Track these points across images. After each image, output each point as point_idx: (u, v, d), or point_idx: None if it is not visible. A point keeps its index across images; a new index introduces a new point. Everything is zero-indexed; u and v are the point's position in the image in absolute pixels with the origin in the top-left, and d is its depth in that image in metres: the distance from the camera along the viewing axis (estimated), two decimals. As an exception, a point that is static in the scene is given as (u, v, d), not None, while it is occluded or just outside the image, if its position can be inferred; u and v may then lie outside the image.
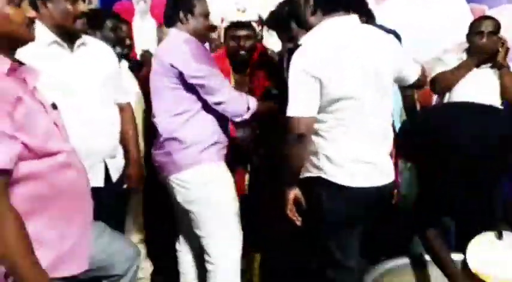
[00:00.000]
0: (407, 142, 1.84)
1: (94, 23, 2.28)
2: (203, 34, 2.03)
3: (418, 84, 1.90)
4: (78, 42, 1.81)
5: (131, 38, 2.56)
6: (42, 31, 1.69)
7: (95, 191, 1.75)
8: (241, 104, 1.93)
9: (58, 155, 1.24)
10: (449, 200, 1.72)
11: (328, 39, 1.59)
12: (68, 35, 1.77)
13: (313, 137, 1.66)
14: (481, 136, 1.55)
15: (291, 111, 1.60)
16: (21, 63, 1.27)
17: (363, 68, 1.59)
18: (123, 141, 2.03)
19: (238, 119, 1.96)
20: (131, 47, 2.54)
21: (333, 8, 1.61)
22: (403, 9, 2.97)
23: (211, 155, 1.99)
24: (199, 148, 1.96)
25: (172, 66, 1.87)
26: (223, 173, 2.05)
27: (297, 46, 1.67)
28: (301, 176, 1.73)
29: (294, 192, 1.74)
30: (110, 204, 1.88)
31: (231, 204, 2.03)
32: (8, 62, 1.19)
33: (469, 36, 2.54)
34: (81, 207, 1.35)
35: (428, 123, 1.77)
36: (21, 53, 1.43)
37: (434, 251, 1.76)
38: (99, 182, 1.86)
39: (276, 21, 2.11)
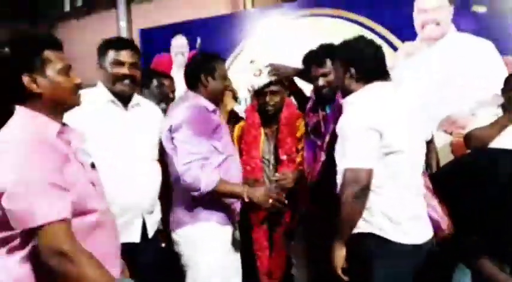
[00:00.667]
0: (447, 185, 1.96)
1: (143, 81, 2.48)
2: (220, 96, 2.10)
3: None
4: (132, 102, 1.95)
5: (174, 91, 2.76)
6: (101, 91, 1.89)
7: (132, 246, 1.84)
8: (194, 182, 1.88)
9: (91, 214, 1.30)
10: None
11: (379, 99, 1.72)
12: (122, 96, 1.90)
13: None
14: None
15: (354, 162, 1.63)
16: (66, 126, 1.38)
17: (409, 126, 1.73)
18: (161, 197, 2.09)
19: (193, 193, 1.92)
20: (174, 99, 2.70)
21: (373, 77, 1.77)
22: (433, 63, 2.98)
23: (210, 214, 1.99)
24: (198, 206, 1.98)
25: (169, 130, 1.94)
26: (216, 236, 2.00)
27: (328, 84, 2.04)
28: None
29: (344, 250, 1.72)
30: (146, 261, 1.92)
31: (214, 271, 1.96)
32: (58, 126, 1.30)
33: (504, 91, 2.52)
34: (108, 267, 1.35)
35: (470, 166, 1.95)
36: (82, 109, 1.61)
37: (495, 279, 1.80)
38: (134, 237, 1.90)
39: (315, 56, 2.26)
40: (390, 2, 3.58)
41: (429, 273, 1.79)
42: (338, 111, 2.07)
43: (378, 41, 3.54)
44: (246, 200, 1.92)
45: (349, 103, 1.77)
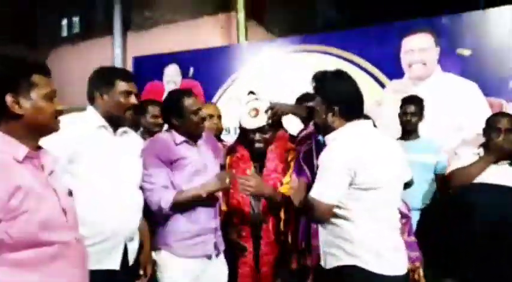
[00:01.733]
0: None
1: (139, 110, 2.61)
2: (195, 129, 2.16)
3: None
4: (121, 129, 1.99)
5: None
6: (93, 116, 1.92)
7: (110, 273, 1.82)
8: (156, 204, 2.01)
9: (50, 246, 1.26)
10: None
11: (359, 138, 1.76)
12: (115, 123, 1.96)
13: (344, 223, 1.72)
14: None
15: (320, 194, 1.70)
16: (41, 149, 1.38)
17: (389, 163, 1.76)
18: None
19: (162, 213, 2.03)
20: (163, 125, 2.75)
21: (354, 115, 1.82)
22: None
23: (168, 242, 2.07)
24: (165, 232, 2.08)
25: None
26: (170, 266, 2.07)
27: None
28: (331, 266, 1.75)
29: None
30: None
31: None
32: (26, 150, 1.28)
33: (486, 132, 2.57)
34: None
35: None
36: (73, 132, 1.70)
37: None
38: (115, 264, 1.87)
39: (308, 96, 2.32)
40: (379, 41, 3.70)
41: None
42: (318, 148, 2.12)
43: (366, 77, 3.64)
44: (204, 195, 1.99)
45: (331, 139, 1.81)
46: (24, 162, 1.28)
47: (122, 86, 1.93)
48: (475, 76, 3.33)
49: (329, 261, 1.77)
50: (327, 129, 1.83)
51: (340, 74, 1.87)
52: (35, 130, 1.33)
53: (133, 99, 1.95)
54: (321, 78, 1.92)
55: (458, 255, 2.18)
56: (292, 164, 2.26)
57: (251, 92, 2.35)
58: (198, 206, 2.09)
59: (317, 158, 2.23)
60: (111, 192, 1.86)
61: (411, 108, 2.95)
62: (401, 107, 3.00)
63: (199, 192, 2.01)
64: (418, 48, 3.55)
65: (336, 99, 1.80)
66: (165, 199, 2.00)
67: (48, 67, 1.39)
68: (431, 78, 3.51)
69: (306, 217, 1.88)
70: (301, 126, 2.39)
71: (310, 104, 2.20)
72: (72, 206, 1.41)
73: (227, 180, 2.02)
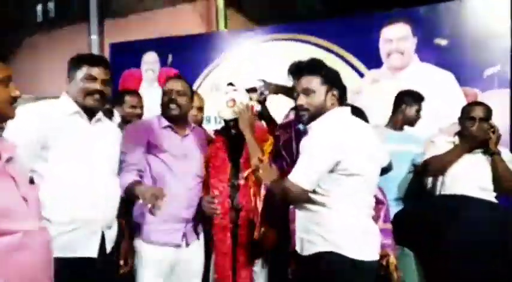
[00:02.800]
0: (404, 229, 2.10)
1: (117, 100, 2.73)
2: (164, 111, 2.23)
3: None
4: (96, 117, 1.96)
5: (142, 107, 2.94)
6: (66, 102, 1.90)
7: (88, 261, 1.82)
8: (120, 181, 2.03)
9: (12, 235, 1.22)
10: None
11: (342, 124, 1.78)
12: (88, 110, 1.92)
13: (322, 210, 1.74)
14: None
15: (301, 180, 1.71)
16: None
17: (367, 151, 1.78)
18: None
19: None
20: (142, 115, 2.88)
21: (344, 101, 1.87)
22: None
23: (142, 229, 2.14)
24: (136, 219, 2.16)
25: None
26: (145, 254, 2.12)
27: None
28: (308, 253, 1.77)
29: None
30: (103, 276, 1.88)
31: None
32: None
33: (461, 121, 2.63)
34: None
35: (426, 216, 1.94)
36: (46, 118, 1.72)
37: None
38: (92, 252, 1.86)
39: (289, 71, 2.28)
40: (358, 31, 3.71)
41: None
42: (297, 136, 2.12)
43: (345, 66, 3.66)
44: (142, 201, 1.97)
45: (314, 126, 1.82)
46: None
47: (84, 70, 1.89)
48: (451, 66, 3.38)
49: (306, 248, 1.79)
50: (321, 112, 1.82)
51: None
52: None
53: (96, 85, 1.89)
54: (321, 61, 1.93)
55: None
56: (267, 154, 2.26)
57: (230, 84, 2.34)
58: (168, 194, 2.05)
59: (297, 146, 2.25)
60: (84, 180, 1.84)
61: (417, 106, 2.95)
62: (405, 101, 2.96)
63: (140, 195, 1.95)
64: (396, 38, 3.57)
65: (336, 81, 1.83)
66: (122, 182, 2.02)
67: (5, 52, 1.35)
68: (409, 68, 3.54)
69: (276, 198, 1.89)
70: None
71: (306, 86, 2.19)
72: (33, 194, 1.37)
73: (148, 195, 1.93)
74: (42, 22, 6.90)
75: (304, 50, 3.81)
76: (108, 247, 1.94)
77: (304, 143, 1.78)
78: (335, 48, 3.75)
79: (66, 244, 1.74)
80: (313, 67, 1.86)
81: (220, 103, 2.26)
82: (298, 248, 1.85)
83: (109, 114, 2.64)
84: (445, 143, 2.61)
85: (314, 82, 1.82)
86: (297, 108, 2.25)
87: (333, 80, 1.84)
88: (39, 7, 6.99)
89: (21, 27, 7.06)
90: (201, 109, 2.79)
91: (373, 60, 3.62)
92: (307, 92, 1.83)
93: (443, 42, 3.45)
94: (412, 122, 2.98)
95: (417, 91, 3.00)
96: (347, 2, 5.37)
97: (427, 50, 3.48)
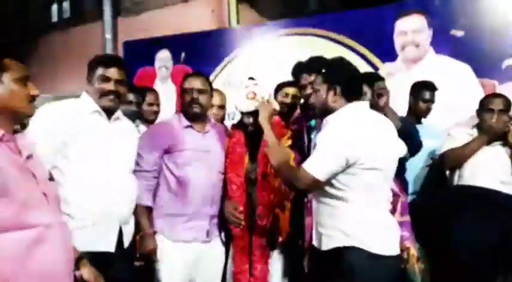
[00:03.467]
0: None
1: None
2: (186, 110, 2.23)
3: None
4: (114, 115, 2.01)
5: (159, 104, 2.95)
6: (88, 101, 1.96)
7: (105, 256, 1.86)
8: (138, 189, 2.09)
9: (32, 229, 1.26)
10: None
11: (359, 119, 1.77)
12: (106, 110, 1.97)
13: (341, 205, 1.73)
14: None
15: (313, 169, 1.70)
16: (19, 133, 1.39)
17: (386, 145, 1.77)
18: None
19: None
20: (159, 112, 2.91)
21: (356, 96, 1.84)
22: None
23: (161, 226, 2.14)
24: (155, 216, 2.16)
25: None
26: (167, 251, 2.12)
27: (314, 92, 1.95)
28: (328, 248, 1.76)
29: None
30: (120, 271, 1.91)
31: None
32: (1, 133, 1.28)
33: (480, 113, 2.58)
34: None
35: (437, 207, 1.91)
36: (68, 117, 1.80)
37: None
38: (110, 247, 1.90)
39: (304, 66, 2.33)
40: (372, 24, 3.67)
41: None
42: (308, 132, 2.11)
43: (359, 60, 3.62)
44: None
45: (331, 120, 1.81)
46: (0, 145, 1.28)
47: (99, 71, 1.95)
48: (468, 57, 3.32)
49: (325, 243, 1.78)
50: (326, 109, 1.83)
51: (340, 57, 1.91)
52: (7, 114, 1.32)
53: (110, 86, 1.94)
54: (323, 59, 1.91)
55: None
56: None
57: (251, 78, 2.33)
58: (193, 191, 2.12)
59: (308, 141, 2.24)
60: (103, 176, 1.89)
61: (428, 95, 2.88)
62: (419, 92, 2.91)
63: (143, 227, 2.10)
64: (411, 30, 3.53)
65: (338, 78, 1.81)
66: (139, 196, 2.09)
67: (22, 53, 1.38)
68: (424, 61, 3.49)
69: (284, 183, 1.91)
70: None
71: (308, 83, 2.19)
72: (53, 190, 1.42)
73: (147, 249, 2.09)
74: (57, 22, 7.00)
75: (317, 44, 3.79)
76: (126, 242, 1.98)
77: (321, 135, 1.79)
78: (348, 41, 3.72)
79: (85, 238, 1.77)
80: (314, 66, 1.93)
81: (239, 96, 2.26)
82: (316, 243, 1.84)
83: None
84: (463, 136, 2.56)
85: (317, 81, 1.87)
86: (306, 98, 2.27)
87: (334, 77, 1.83)
88: (54, 7, 7.08)
89: (37, 27, 7.16)
90: (222, 107, 2.76)
91: (387, 53, 3.58)
92: (314, 90, 1.90)
93: (459, 33, 3.39)
94: (425, 113, 2.94)
95: (430, 81, 2.95)
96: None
97: (443, 42, 3.43)
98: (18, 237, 1.23)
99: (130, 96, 2.65)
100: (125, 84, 2.03)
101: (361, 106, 1.84)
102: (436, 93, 2.92)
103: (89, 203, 1.83)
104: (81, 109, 1.93)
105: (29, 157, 1.36)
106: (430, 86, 2.90)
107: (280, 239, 2.20)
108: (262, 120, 2.11)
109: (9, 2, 7.25)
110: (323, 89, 1.83)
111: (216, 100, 2.63)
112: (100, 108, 1.95)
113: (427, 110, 2.91)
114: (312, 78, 2.19)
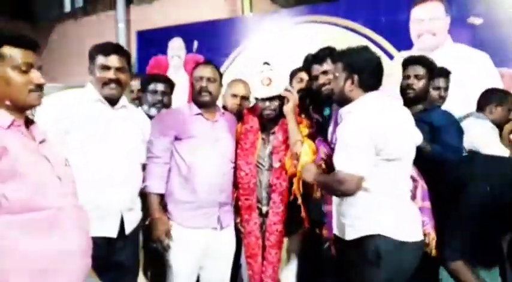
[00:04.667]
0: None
1: (144, 87, 2.70)
2: (196, 98, 2.26)
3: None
4: (119, 103, 2.02)
5: (171, 93, 2.83)
6: (90, 91, 1.97)
7: (108, 240, 1.90)
8: (149, 177, 2.13)
9: (42, 211, 1.27)
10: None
11: (379, 109, 1.76)
12: (109, 98, 1.97)
13: (364, 195, 1.73)
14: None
15: (349, 167, 1.68)
16: (30, 122, 1.40)
17: (406, 134, 1.78)
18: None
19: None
20: (170, 103, 2.79)
21: (373, 86, 1.82)
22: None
23: (172, 212, 2.17)
24: (168, 201, 2.18)
25: None
26: (178, 237, 2.13)
27: (329, 82, 2.05)
28: (352, 237, 1.78)
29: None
30: (121, 257, 1.96)
31: (171, 270, 2.14)
32: (11, 118, 1.29)
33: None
34: (65, 268, 1.31)
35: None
36: (70, 105, 1.83)
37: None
38: (112, 232, 1.92)
39: (315, 56, 2.28)
40: (387, 11, 3.60)
41: (418, 272, 1.81)
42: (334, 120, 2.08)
43: (374, 48, 3.55)
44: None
45: (349, 112, 1.79)
46: (11, 129, 1.28)
47: (99, 59, 1.95)
48: (487, 46, 3.25)
49: (348, 233, 1.79)
50: (342, 97, 1.83)
51: (364, 47, 1.88)
52: (8, 102, 1.30)
53: (110, 74, 1.94)
54: (333, 49, 1.89)
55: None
56: (305, 137, 2.22)
57: (266, 63, 2.30)
58: (202, 179, 2.13)
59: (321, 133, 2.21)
60: (103, 163, 1.90)
61: (439, 82, 2.69)
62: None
63: (152, 212, 2.12)
64: (427, 17, 3.45)
65: (357, 67, 1.79)
66: (148, 182, 2.12)
67: (31, 40, 1.34)
68: (441, 49, 3.42)
69: (330, 193, 1.86)
70: None
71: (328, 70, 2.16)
72: (69, 174, 1.43)
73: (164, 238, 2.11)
74: (70, 11, 7.02)
75: (331, 32, 3.74)
76: (128, 229, 1.99)
77: (341, 129, 1.76)
78: (363, 29, 3.66)
79: None
80: (333, 53, 1.93)
81: (254, 82, 2.23)
82: (338, 233, 1.86)
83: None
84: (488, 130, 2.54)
85: (335, 67, 1.86)
86: (319, 88, 2.24)
87: (353, 65, 1.80)
88: (67, -3, 7.10)
89: (49, 17, 7.19)
90: (245, 98, 2.66)
91: (403, 41, 3.51)
92: (325, 72, 1.97)
93: (477, 21, 3.30)
94: (438, 101, 2.72)
95: (443, 67, 2.75)
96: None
97: (461, 30, 3.35)
98: (31, 218, 1.24)
99: (159, 86, 2.65)
100: (126, 72, 2.01)
101: (379, 96, 1.81)
102: (454, 81, 2.83)
103: (88, 190, 1.81)
104: (84, 98, 1.94)
105: (42, 142, 1.37)
106: (442, 73, 2.73)
107: (305, 225, 2.19)
108: (289, 110, 2.11)
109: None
110: (342, 76, 1.82)
111: (240, 90, 2.62)
112: (102, 97, 1.95)
113: (440, 98, 2.71)
114: (324, 68, 2.20)
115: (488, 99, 2.73)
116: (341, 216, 1.83)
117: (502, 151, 2.57)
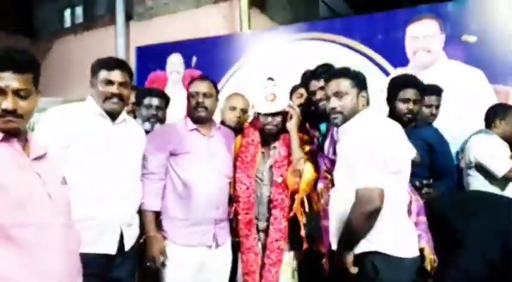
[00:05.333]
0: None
1: (136, 99, 2.69)
2: (192, 114, 2.24)
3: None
4: (120, 117, 2.02)
5: (166, 108, 2.83)
6: (91, 104, 1.98)
7: (107, 257, 1.88)
8: (144, 194, 2.10)
9: (22, 228, 1.23)
10: None
11: (379, 123, 1.81)
12: (110, 113, 1.98)
13: None
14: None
15: (367, 182, 1.67)
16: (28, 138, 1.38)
17: (405, 147, 1.81)
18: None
19: None
20: (164, 118, 2.79)
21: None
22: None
23: (166, 228, 2.14)
24: (163, 218, 2.15)
25: None
26: (174, 255, 2.10)
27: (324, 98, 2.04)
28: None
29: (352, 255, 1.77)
30: (120, 274, 1.95)
31: None
32: (1, 135, 1.27)
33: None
34: None
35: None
36: (70, 119, 1.82)
37: None
38: (111, 249, 1.90)
39: (313, 72, 2.33)
40: (383, 29, 3.65)
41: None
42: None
43: (370, 65, 3.61)
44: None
45: (353, 127, 1.82)
46: (2, 144, 1.27)
47: (102, 74, 1.96)
48: (481, 63, 3.29)
49: None
50: (352, 114, 1.85)
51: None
52: None
53: (113, 89, 1.94)
54: (330, 66, 1.92)
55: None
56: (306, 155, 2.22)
57: (270, 78, 2.32)
58: (198, 195, 2.11)
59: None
60: (103, 178, 1.89)
61: (433, 100, 2.76)
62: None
63: (147, 230, 2.09)
64: (422, 35, 3.51)
65: (364, 83, 1.86)
66: (144, 200, 2.09)
67: (10, 60, 1.28)
68: (436, 66, 3.47)
69: (361, 222, 1.72)
70: None
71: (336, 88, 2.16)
72: (62, 192, 1.40)
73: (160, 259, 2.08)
74: (70, 27, 7.09)
75: (328, 49, 3.79)
76: (127, 244, 1.97)
77: (349, 147, 1.76)
78: (360, 46, 3.71)
79: (85, 240, 1.77)
80: (342, 70, 1.90)
81: (258, 97, 2.23)
82: (336, 248, 1.85)
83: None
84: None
85: (345, 84, 1.85)
86: (316, 104, 2.26)
87: (361, 82, 1.87)
88: (67, 12, 7.18)
89: (50, 32, 7.26)
90: (244, 111, 2.69)
91: (399, 58, 3.56)
92: (339, 94, 1.85)
93: (471, 38, 3.36)
94: (429, 118, 2.77)
95: (434, 85, 2.83)
96: (370, 1, 5.31)
97: (455, 47, 3.40)
98: (8, 235, 1.21)
99: (154, 100, 2.66)
100: (128, 87, 2.02)
101: (375, 111, 1.87)
102: (448, 97, 2.88)
103: (88, 205, 1.82)
104: (84, 112, 1.94)
105: (39, 158, 1.36)
106: (434, 91, 2.78)
107: (305, 245, 2.17)
108: (292, 126, 2.15)
109: (21, 7, 7.36)
110: (353, 93, 1.84)
111: (239, 103, 2.63)
112: (103, 112, 1.96)
113: (432, 115, 2.76)
114: (321, 83, 2.21)
115: (492, 114, 2.81)
116: (337, 232, 1.82)
117: (508, 165, 2.60)
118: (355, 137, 1.76)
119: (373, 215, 1.68)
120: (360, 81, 1.86)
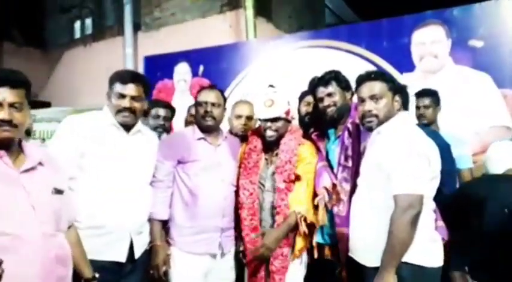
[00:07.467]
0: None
1: (146, 111, 2.64)
2: (200, 122, 2.26)
3: None
4: (134, 129, 2.05)
5: (172, 118, 2.91)
6: (106, 115, 2.01)
7: (117, 265, 1.91)
8: (153, 203, 2.11)
9: (2, 237, 1.28)
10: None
11: (415, 128, 1.81)
12: (124, 123, 2.01)
13: (388, 218, 1.68)
14: None
15: (408, 188, 1.63)
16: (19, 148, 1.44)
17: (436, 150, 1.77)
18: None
19: None
20: (170, 128, 2.88)
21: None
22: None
23: (173, 236, 2.15)
24: (170, 225, 2.17)
25: None
26: (179, 262, 2.12)
27: (334, 104, 2.13)
28: (374, 265, 1.70)
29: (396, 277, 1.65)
30: (130, 280, 1.96)
31: None
32: None
33: None
34: None
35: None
36: (85, 129, 1.86)
37: None
38: (121, 257, 1.92)
39: (320, 79, 2.28)
40: (389, 35, 3.66)
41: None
42: (355, 138, 2.08)
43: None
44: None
45: (385, 132, 1.79)
46: None
47: (116, 87, 1.99)
48: (488, 68, 3.27)
49: (370, 260, 1.74)
50: (388, 117, 1.82)
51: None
52: None
53: (124, 102, 1.96)
54: (338, 72, 1.98)
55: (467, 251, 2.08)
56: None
57: (271, 86, 2.33)
58: (204, 203, 2.12)
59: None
60: (116, 187, 1.91)
61: (425, 101, 2.87)
62: (416, 100, 2.92)
63: (154, 239, 2.10)
64: (429, 40, 3.50)
65: (399, 88, 1.87)
66: (153, 209, 2.11)
67: (11, 79, 1.39)
68: (443, 71, 3.46)
69: (399, 222, 1.64)
70: None
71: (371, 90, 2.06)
72: (50, 204, 1.44)
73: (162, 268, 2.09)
74: (80, 38, 7.19)
75: (334, 56, 3.79)
76: (137, 252, 1.99)
77: (389, 152, 1.71)
78: (366, 53, 3.71)
79: (96, 247, 1.80)
80: (376, 73, 1.90)
81: (257, 103, 2.26)
82: (360, 260, 1.80)
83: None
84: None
85: (381, 87, 1.83)
86: (323, 110, 2.23)
87: (395, 86, 1.86)
88: (77, 24, 7.29)
89: (60, 44, 7.36)
90: (250, 118, 2.66)
91: (405, 64, 3.56)
92: (375, 97, 1.83)
93: (478, 43, 3.35)
94: (424, 118, 2.89)
95: (427, 88, 2.96)
96: (376, 6, 5.32)
97: (462, 52, 3.39)
98: None
99: (160, 111, 2.74)
100: (142, 100, 2.04)
101: (408, 115, 1.88)
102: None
103: (99, 213, 1.85)
104: (99, 122, 1.97)
105: (28, 170, 1.40)
106: (423, 93, 2.90)
107: (316, 255, 2.16)
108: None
109: (32, 19, 7.48)
110: (388, 97, 1.83)
111: (244, 110, 2.64)
112: (117, 122, 1.99)
113: (426, 116, 2.86)
114: (329, 90, 2.20)
115: None
116: (361, 241, 1.79)
117: None
118: (394, 141, 1.71)
119: (416, 221, 1.62)
120: (394, 85, 1.85)
